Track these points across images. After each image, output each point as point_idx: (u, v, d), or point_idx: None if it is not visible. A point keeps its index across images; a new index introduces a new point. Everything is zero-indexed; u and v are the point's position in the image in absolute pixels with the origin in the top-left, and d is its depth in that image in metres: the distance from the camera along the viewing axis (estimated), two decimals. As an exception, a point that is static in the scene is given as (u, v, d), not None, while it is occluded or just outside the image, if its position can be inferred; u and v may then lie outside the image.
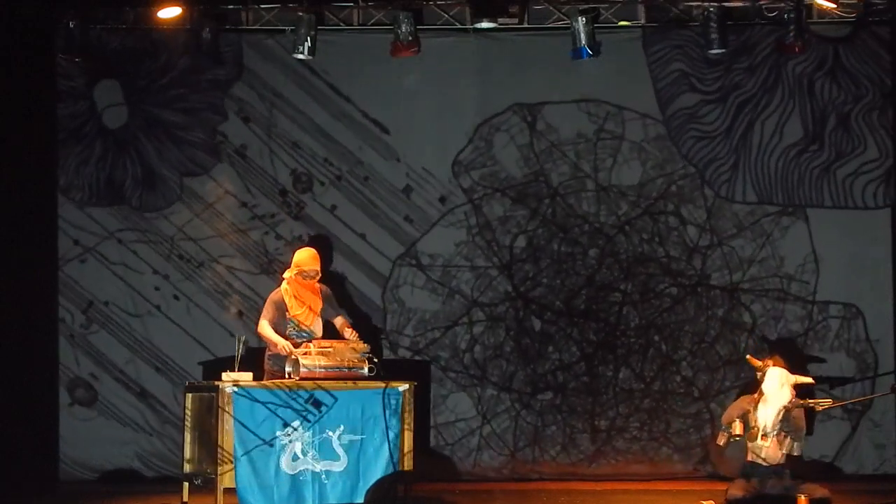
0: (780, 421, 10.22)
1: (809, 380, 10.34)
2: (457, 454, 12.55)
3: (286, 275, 10.61)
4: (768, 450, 10.25)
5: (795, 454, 10.43)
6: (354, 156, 12.72)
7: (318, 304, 10.58)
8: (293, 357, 10.20)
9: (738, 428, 10.26)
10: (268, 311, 10.48)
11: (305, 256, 10.58)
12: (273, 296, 10.58)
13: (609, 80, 12.58)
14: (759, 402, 10.29)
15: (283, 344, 10.28)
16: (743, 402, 10.46)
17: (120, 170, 12.77)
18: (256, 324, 10.59)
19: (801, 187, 12.55)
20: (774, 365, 10.45)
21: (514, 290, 12.67)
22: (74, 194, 12.74)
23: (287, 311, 10.48)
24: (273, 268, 12.54)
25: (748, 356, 10.70)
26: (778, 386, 10.19)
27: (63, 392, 12.65)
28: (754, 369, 10.49)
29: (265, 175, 12.70)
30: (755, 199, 12.59)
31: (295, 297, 10.51)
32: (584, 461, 12.56)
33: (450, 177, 12.63)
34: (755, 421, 10.23)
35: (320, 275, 10.62)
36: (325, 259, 11.15)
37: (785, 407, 10.16)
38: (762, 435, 10.15)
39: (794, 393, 10.16)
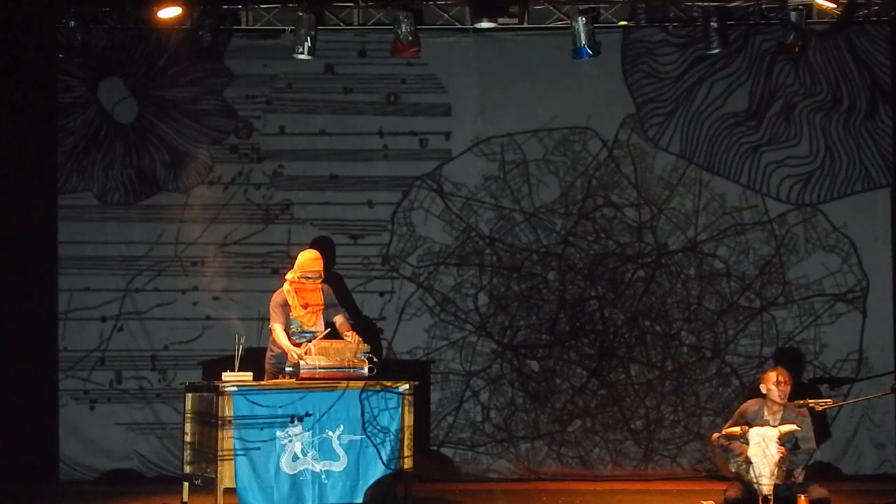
0: (781, 468, 10.03)
1: (793, 427, 10.04)
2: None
3: (288, 276, 10.68)
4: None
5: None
6: (265, 74, 12.84)
7: (321, 305, 10.65)
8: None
9: (737, 486, 10.17)
10: (277, 315, 10.55)
11: (307, 259, 10.68)
12: (276, 297, 10.64)
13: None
14: (749, 462, 10.09)
15: (292, 351, 10.30)
16: (735, 435, 10.26)
17: (147, 160, 12.86)
18: (270, 327, 10.63)
19: (724, 156, 12.72)
20: (779, 376, 10.25)
21: (498, 346, 12.73)
22: (111, 197, 12.82)
23: (290, 311, 10.57)
24: (272, 213, 12.79)
25: (724, 431, 10.17)
26: (762, 450, 9.92)
27: (66, 397, 12.66)
28: (738, 436, 10.11)
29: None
30: (678, 150, 12.71)
31: (297, 297, 10.58)
32: (639, 465, 12.62)
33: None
34: (754, 483, 10.07)
35: (322, 277, 10.70)
36: (328, 260, 11.25)
37: (777, 464, 9.92)
38: (763, 499, 10.01)
39: (783, 450, 9.91)
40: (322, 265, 10.70)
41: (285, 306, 10.56)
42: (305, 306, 10.57)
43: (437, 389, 12.68)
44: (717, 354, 12.62)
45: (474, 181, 12.80)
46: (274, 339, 10.57)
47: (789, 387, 10.24)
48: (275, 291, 10.73)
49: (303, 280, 10.59)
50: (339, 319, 10.71)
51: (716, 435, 10.26)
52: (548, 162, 12.79)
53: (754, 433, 9.97)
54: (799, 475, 10.12)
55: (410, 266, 12.75)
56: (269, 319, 10.68)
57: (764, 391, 10.28)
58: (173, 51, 12.76)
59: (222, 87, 12.93)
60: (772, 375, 10.29)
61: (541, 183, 12.79)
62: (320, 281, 10.67)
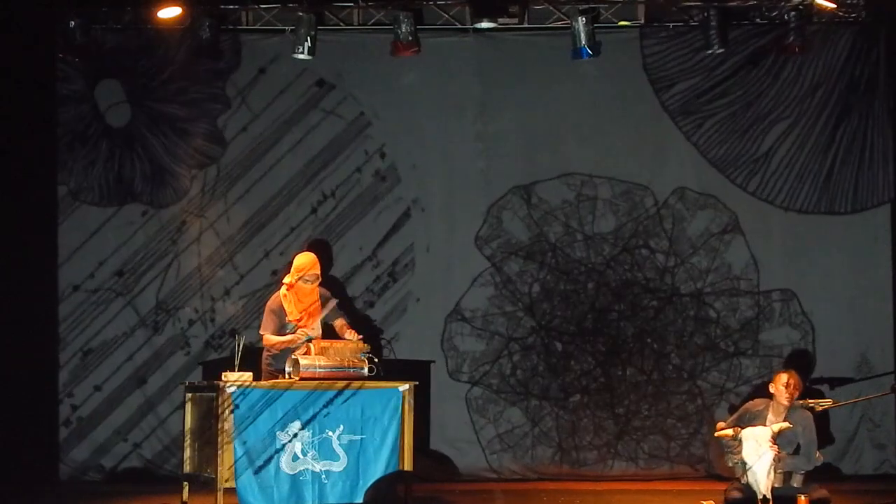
0: (777, 468, 9.99)
1: (786, 424, 10.04)
2: (517, 453, 13.67)
3: (286, 280, 10.56)
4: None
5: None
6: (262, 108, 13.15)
7: (318, 308, 10.57)
8: (293, 357, 10.17)
9: (737, 486, 10.15)
10: (269, 322, 10.49)
11: (305, 262, 10.58)
12: (271, 304, 10.58)
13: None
14: (745, 463, 10.06)
15: (291, 338, 10.36)
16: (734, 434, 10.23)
17: (128, 168, 12.95)
18: (260, 335, 10.65)
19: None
20: (789, 379, 10.28)
21: (537, 325, 13.91)
22: (85, 196, 12.85)
23: (286, 315, 10.45)
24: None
25: (718, 433, 10.37)
26: (756, 452, 9.94)
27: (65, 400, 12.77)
28: (731, 438, 10.25)
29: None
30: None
31: (295, 301, 10.49)
32: (612, 440, 13.69)
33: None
34: (753, 484, 10.05)
35: (320, 279, 10.62)
36: (325, 263, 11.28)
37: (774, 462, 9.90)
38: (761, 500, 10.00)
39: (777, 449, 9.90)
40: (319, 268, 10.64)
41: (280, 312, 10.45)
42: (303, 309, 10.52)
43: (483, 344, 13.65)
44: (691, 377, 13.89)
45: (555, 202, 13.98)
46: (266, 344, 10.53)
47: (798, 391, 10.22)
48: (272, 295, 10.74)
49: (301, 284, 10.56)
50: (338, 322, 10.66)
51: (720, 425, 10.29)
52: (612, 203, 13.90)
53: (746, 434, 9.93)
54: (798, 479, 10.10)
55: (491, 248, 13.78)
56: (260, 324, 10.67)
57: (772, 391, 10.28)
58: (178, 68, 12.76)
59: (218, 114, 12.96)
60: (782, 377, 10.26)
61: (603, 217, 13.97)
62: (318, 283, 10.65)
